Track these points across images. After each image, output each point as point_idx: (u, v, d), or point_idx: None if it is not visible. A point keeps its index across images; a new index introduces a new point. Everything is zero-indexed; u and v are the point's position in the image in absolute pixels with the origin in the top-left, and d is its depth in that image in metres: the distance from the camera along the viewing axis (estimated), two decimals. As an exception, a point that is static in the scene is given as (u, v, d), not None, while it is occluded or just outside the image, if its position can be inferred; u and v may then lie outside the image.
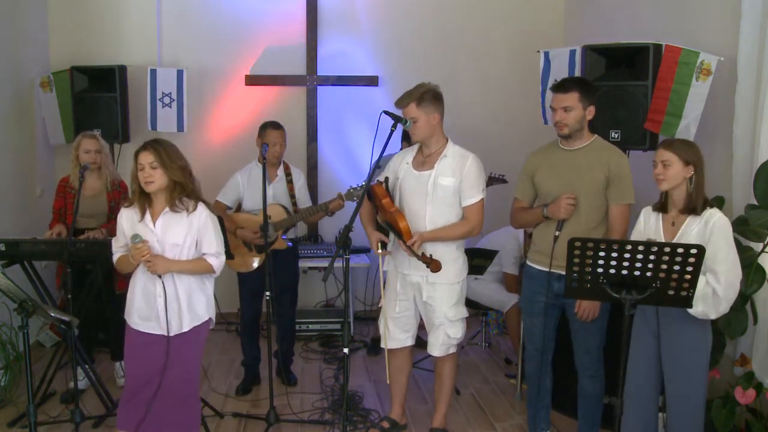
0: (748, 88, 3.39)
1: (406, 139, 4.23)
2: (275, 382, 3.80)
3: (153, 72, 5.08)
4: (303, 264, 5.25)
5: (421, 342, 3.66)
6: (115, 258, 2.99)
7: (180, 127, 5.16)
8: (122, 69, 4.97)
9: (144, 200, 2.88)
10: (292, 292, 4.31)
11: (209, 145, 5.54)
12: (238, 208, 4.20)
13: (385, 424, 3.63)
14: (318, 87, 5.57)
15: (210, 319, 3.02)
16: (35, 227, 4.68)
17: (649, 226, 2.84)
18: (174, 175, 2.83)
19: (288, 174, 4.20)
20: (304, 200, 4.21)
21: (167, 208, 2.86)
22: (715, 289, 2.60)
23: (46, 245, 3.67)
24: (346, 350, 2.99)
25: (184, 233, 2.87)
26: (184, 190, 2.87)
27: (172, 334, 2.87)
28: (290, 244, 4.12)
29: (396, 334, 3.48)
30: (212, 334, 5.22)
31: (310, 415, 3.87)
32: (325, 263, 5.14)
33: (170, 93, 5.10)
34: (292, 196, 4.17)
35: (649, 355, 2.84)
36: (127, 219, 2.91)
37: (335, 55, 5.57)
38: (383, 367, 3.44)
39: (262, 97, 5.57)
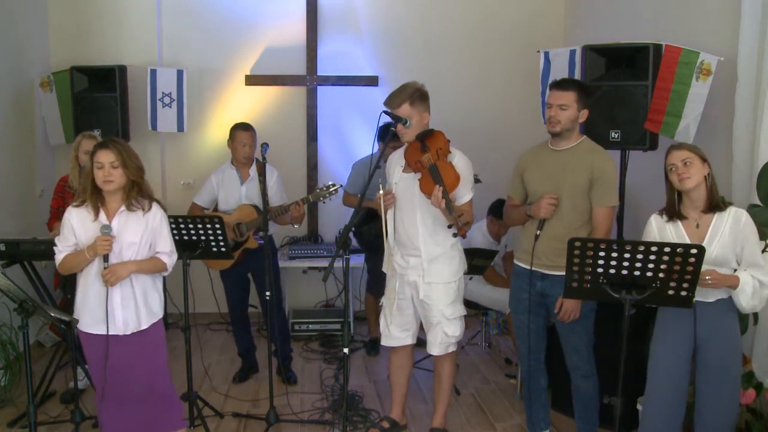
0: (748, 88, 3.39)
1: (382, 139, 4.18)
2: (275, 381, 3.80)
3: (153, 72, 5.08)
4: (303, 264, 5.29)
5: (420, 341, 3.66)
6: (59, 258, 2.88)
7: (180, 127, 5.16)
8: (122, 69, 4.96)
9: (97, 199, 2.83)
10: (275, 289, 4.31)
11: (209, 145, 5.54)
12: (215, 209, 4.28)
13: (385, 424, 3.63)
14: (318, 87, 5.57)
15: (162, 316, 3.01)
16: (35, 227, 4.69)
17: (666, 236, 2.77)
18: (132, 175, 2.82)
19: (260, 173, 4.20)
20: (276, 199, 4.21)
21: (123, 207, 2.84)
22: (763, 282, 2.64)
23: (46, 245, 3.67)
24: (346, 350, 2.99)
25: (141, 232, 2.86)
26: (140, 189, 2.87)
27: (128, 333, 2.86)
28: (261, 242, 4.15)
29: (395, 333, 3.48)
30: (212, 334, 5.25)
31: (310, 415, 3.87)
32: (325, 263, 5.15)
33: (170, 93, 5.10)
34: (264, 195, 4.18)
35: (684, 355, 2.78)
36: (78, 218, 2.85)
37: (335, 55, 5.57)
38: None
39: (262, 97, 5.57)
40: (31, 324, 2.73)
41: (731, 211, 2.70)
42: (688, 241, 2.70)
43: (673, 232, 2.76)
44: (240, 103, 5.54)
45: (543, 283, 3.18)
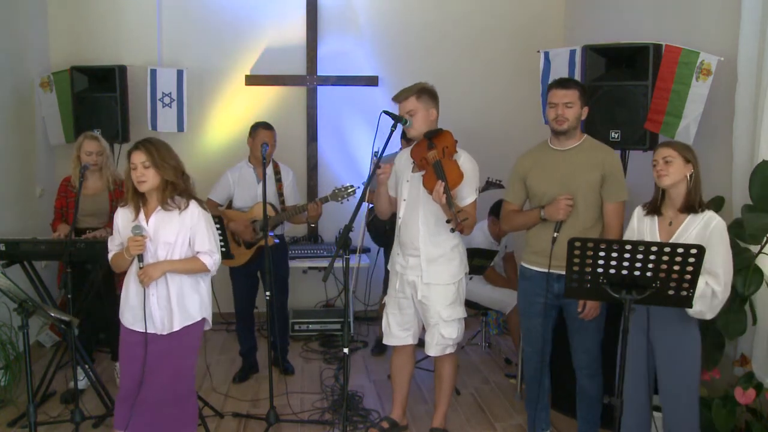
0: (748, 88, 3.39)
1: (406, 137, 4.25)
2: (275, 380, 3.80)
3: (153, 72, 5.08)
4: (303, 264, 5.29)
5: (420, 341, 3.66)
6: (109, 257, 3.00)
7: (180, 127, 5.16)
8: (122, 69, 4.97)
9: (138, 199, 2.89)
10: (282, 284, 4.42)
11: (209, 145, 5.54)
12: (229, 206, 4.32)
13: (385, 425, 3.63)
14: (318, 87, 5.57)
15: (204, 319, 3.00)
16: (35, 227, 4.69)
17: (642, 228, 2.85)
18: (166, 174, 2.83)
19: (277, 173, 4.29)
20: (291, 199, 4.30)
21: (159, 207, 2.87)
22: (715, 291, 2.64)
23: (46, 245, 3.67)
24: (346, 350, 2.99)
25: (176, 231, 2.87)
26: (176, 189, 2.88)
27: (164, 333, 2.89)
28: (277, 240, 4.22)
29: (396, 332, 3.49)
30: (212, 334, 5.24)
31: (310, 415, 3.87)
32: (325, 263, 5.15)
33: (170, 93, 5.10)
34: (281, 194, 4.26)
35: (642, 354, 2.85)
36: (123, 218, 2.94)
37: (335, 55, 5.57)
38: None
39: (262, 97, 5.57)
40: (31, 324, 2.73)
41: (706, 215, 2.73)
42: (657, 236, 2.77)
43: (648, 227, 2.83)
44: (240, 103, 5.54)
45: (560, 285, 3.15)
